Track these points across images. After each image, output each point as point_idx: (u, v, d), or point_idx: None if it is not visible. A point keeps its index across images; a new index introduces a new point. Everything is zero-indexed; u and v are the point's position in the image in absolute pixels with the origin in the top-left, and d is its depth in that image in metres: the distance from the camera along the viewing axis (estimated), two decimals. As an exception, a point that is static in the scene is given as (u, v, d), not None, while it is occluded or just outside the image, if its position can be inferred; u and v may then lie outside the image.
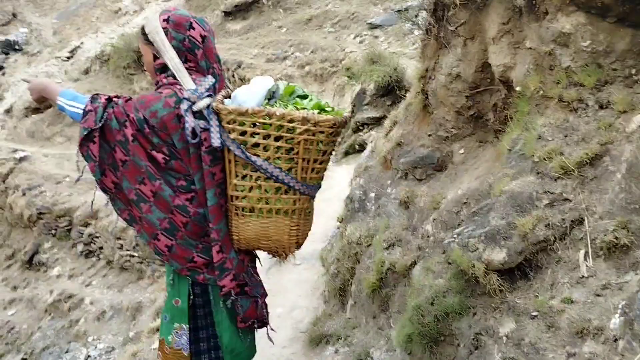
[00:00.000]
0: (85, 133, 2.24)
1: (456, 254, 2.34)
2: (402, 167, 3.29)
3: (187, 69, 2.24)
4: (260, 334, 2.67)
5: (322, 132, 2.16)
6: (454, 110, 2.99)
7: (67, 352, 8.82)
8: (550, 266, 2.11)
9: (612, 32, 2.16)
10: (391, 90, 8.28)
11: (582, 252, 2.03)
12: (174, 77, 2.26)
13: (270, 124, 2.13)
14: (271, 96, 2.28)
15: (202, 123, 2.18)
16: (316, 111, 2.21)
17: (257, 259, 2.60)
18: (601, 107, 2.19)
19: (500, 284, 2.18)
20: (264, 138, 2.15)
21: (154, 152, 2.24)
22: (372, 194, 3.55)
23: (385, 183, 3.48)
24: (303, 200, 2.30)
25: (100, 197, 2.49)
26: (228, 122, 2.16)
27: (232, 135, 2.16)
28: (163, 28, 2.24)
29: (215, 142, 2.16)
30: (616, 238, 1.91)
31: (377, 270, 3.07)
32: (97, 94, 2.35)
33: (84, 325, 9.24)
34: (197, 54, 2.28)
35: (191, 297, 2.40)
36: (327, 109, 2.28)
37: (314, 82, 11.12)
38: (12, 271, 11.70)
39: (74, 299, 9.86)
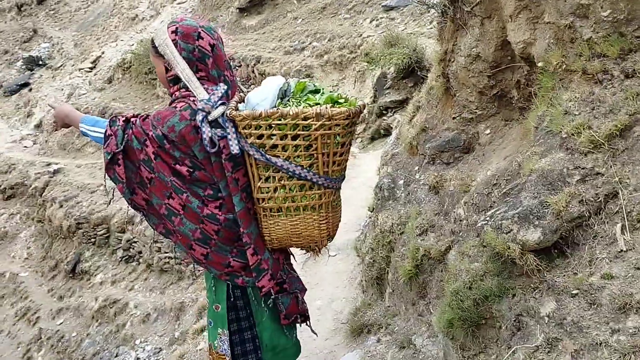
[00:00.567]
0: (109, 157, 2.30)
1: (490, 236, 2.32)
2: (429, 152, 3.27)
3: (198, 78, 2.25)
4: (301, 328, 2.71)
5: (337, 125, 2.17)
6: (477, 90, 2.95)
7: (116, 356, 9.06)
8: (587, 242, 2.08)
9: (632, -1, 2.10)
10: (412, 72, 8.22)
11: (619, 225, 2.00)
12: (187, 89, 2.28)
13: (286, 124, 2.14)
14: (283, 95, 2.29)
15: (219, 131, 2.20)
16: (329, 105, 2.21)
17: (291, 255, 2.64)
18: (627, 76, 2.14)
19: (538, 264, 2.16)
20: (281, 138, 2.17)
21: (177, 166, 2.28)
22: (401, 181, 3.54)
23: (413, 169, 3.47)
24: (328, 193, 2.31)
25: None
26: (244, 128, 2.18)
27: (250, 140, 2.18)
28: (172, 40, 2.25)
29: (235, 149, 2.18)
30: (653, 209, 1.88)
31: (412, 257, 3.07)
32: (115, 117, 2.38)
33: (130, 329, 9.46)
34: (208, 63, 2.28)
35: (232, 299, 2.45)
36: (340, 100, 2.28)
37: (334, 70, 11.09)
38: (56, 282, 12.03)
39: (119, 304, 10.09)
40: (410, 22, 10.57)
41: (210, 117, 2.19)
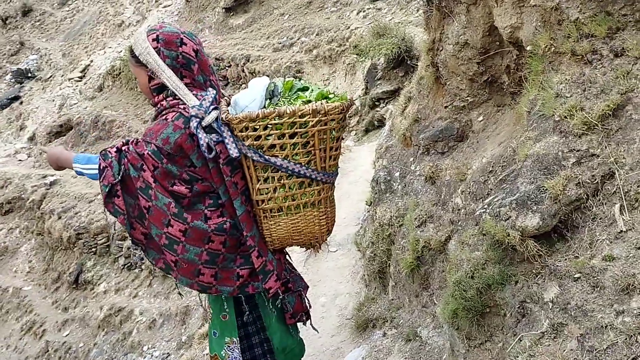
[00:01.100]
0: (107, 190, 2.24)
1: (489, 224, 2.31)
2: (423, 142, 3.25)
3: (185, 85, 2.22)
4: (305, 327, 2.70)
5: (333, 120, 2.21)
6: (467, 78, 2.93)
7: (125, 363, 9.07)
8: (586, 225, 2.07)
9: (617, -24, 2.08)
10: (402, 61, 8.20)
11: (617, 206, 1.99)
12: (174, 97, 2.23)
13: (282, 123, 2.15)
14: (271, 95, 2.29)
15: (214, 136, 2.18)
16: (323, 101, 2.24)
17: (287, 254, 2.64)
18: (616, 55, 2.12)
19: (539, 249, 2.15)
20: (279, 138, 2.18)
21: (175, 187, 2.23)
22: (397, 174, 3.52)
23: (408, 161, 3.45)
24: (327, 188, 2.37)
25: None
26: (241, 130, 2.17)
27: (247, 142, 2.18)
28: (154, 48, 2.20)
29: (233, 152, 2.16)
30: (650, 187, 1.87)
31: (413, 249, 3.06)
32: (105, 150, 2.32)
33: (137, 336, 9.46)
34: (193, 69, 2.25)
35: (239, 305, 2.44)
36: (330, 96, 2.31)
37: (324, 64, 11.05)
38: (60, 293, 12.01)
39: (124, 311, 10.09)
40: (397, 11, 10.53)
41: (204, 123, 2.17)
